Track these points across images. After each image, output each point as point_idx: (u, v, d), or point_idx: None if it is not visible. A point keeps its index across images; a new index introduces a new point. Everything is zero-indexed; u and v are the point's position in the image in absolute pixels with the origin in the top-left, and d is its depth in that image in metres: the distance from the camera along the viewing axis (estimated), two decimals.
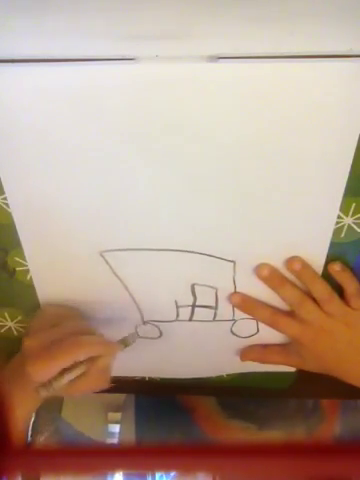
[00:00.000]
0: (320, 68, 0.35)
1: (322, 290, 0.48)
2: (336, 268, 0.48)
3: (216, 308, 0.52)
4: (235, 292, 0.50)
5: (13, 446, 0.15)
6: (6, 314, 0.54)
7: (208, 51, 0.35)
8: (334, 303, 0.48)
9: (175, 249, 0.47)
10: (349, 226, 0.45)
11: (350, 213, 0.44)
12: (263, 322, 0.52)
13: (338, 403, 0.66)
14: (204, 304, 0.51)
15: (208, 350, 0.54)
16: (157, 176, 0.41)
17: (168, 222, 0.45)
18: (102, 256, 0.47)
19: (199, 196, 0.43)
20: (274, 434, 0.62)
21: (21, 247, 0.47)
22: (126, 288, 0.50)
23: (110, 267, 0.48)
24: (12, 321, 0.54)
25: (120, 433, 0.68)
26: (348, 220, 0.45)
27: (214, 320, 0.53)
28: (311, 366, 0.54)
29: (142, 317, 0.53)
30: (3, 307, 0.53)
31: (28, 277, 0.49)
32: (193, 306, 0.51)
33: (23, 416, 0.49)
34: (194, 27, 0.34)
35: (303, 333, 0.50)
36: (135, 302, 0.51)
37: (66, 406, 0.67)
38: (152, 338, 0.55)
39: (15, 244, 0.47)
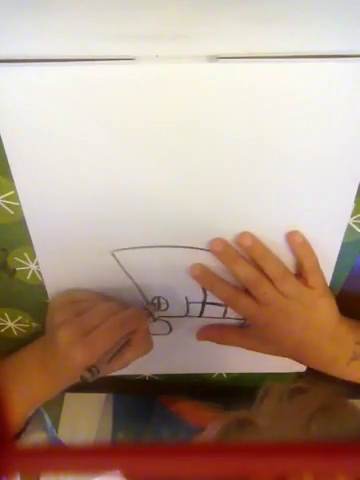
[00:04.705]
0: (320, 68, 0.36)
1: (276, 268, 0.46)
2: (297, 240, 0.45)
3: (226, 306, 0.52)
4: (197, 263, 0.48)
5: (13, 446, 0.15)
6: (6, 314, 0.54)
7: (208, 51, 0.35)
8: (289, 282, 0.46)
9: (185, 246, 0.47)
10: (349, 226, 0.45)
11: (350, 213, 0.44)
12: (222, 300, 0.49)
13: None
14: (214, 301, 0.51)
15: (216, 346, 0.54)
16: (160, 175, 0.41)
17: (177, 220, 0.45)
18: (113, 255, 0.47)
19: (202, 194, 0.43)
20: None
21: (21, 247, 0.47)
22: (137, 285, 0.50)
23: (121, 266, 0.48)
24: (12, 321, 0.54)
25: (97, 432, 0.67)
26: (348, 220, 0.45)
27: (224, 317, 0.53)
28: (269, 349, 0.51)
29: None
30: (3, 307, 0.53)
31: (28, 277, 0.49)
32: (203, 303, 0.52)
33: (30, 408, 0.48)
34: (194, 27, 0.34)
35: (259, 314, 0.47)
36: (146, 299, 0.52)
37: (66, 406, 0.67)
38: (162, 334, 0.55)
39: (15, 244, 0.47)
